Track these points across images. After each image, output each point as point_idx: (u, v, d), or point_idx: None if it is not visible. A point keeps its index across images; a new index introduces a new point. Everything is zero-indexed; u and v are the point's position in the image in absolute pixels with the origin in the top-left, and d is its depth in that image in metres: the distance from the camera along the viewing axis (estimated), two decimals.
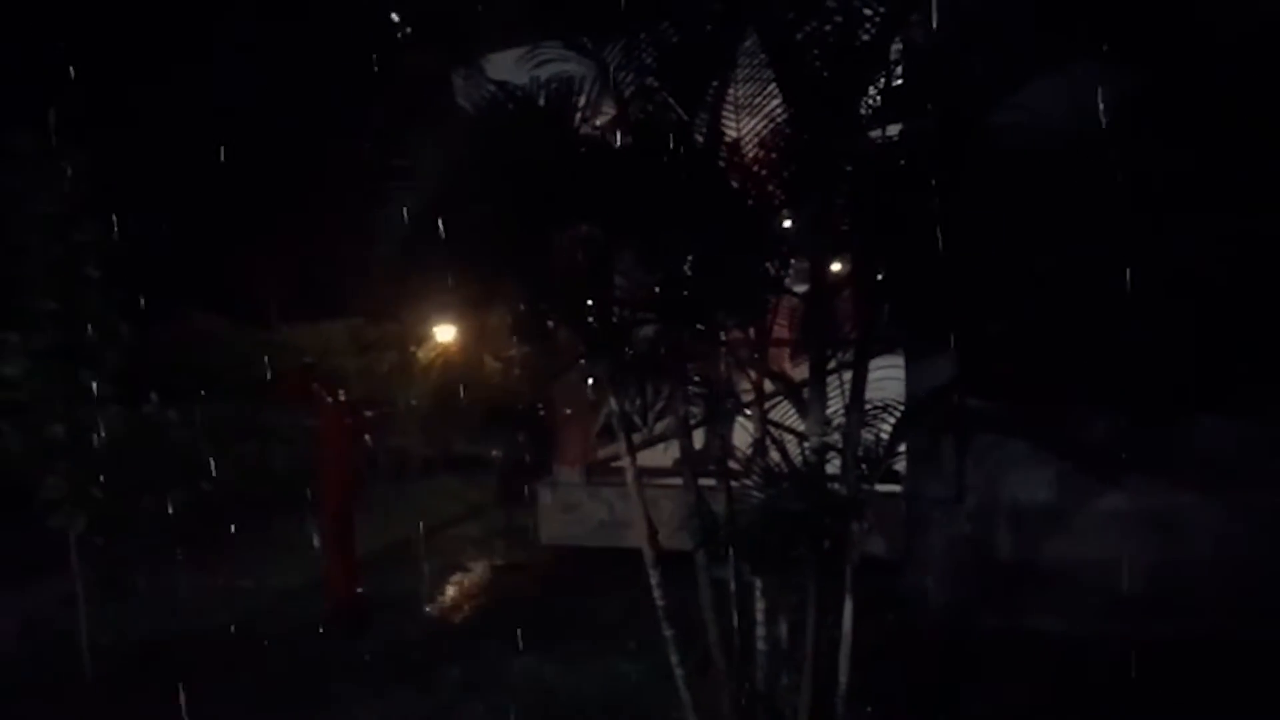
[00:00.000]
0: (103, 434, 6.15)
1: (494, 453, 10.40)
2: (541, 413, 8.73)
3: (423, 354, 11.64)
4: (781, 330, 4.55)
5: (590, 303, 4.36)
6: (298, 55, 13.66)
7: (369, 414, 8.77)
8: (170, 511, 8.33)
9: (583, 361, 4.80)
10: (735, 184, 4.07)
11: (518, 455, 10.02)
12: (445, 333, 12.19)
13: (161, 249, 6.98)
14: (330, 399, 7.22)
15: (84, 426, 6.14)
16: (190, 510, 8.87)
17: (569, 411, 8.14)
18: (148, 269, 6.94)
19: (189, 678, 6.49)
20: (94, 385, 6.22)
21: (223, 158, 14.58)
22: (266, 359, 13.87)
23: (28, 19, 12.47)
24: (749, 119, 4.10)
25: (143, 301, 6.78)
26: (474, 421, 10.72)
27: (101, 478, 6.21)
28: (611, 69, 4.05)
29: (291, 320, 15.97)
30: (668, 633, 4.33)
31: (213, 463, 7.83)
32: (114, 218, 6.40)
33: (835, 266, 4.40)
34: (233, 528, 9.72)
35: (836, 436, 4.06)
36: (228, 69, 14.18)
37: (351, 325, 15.62)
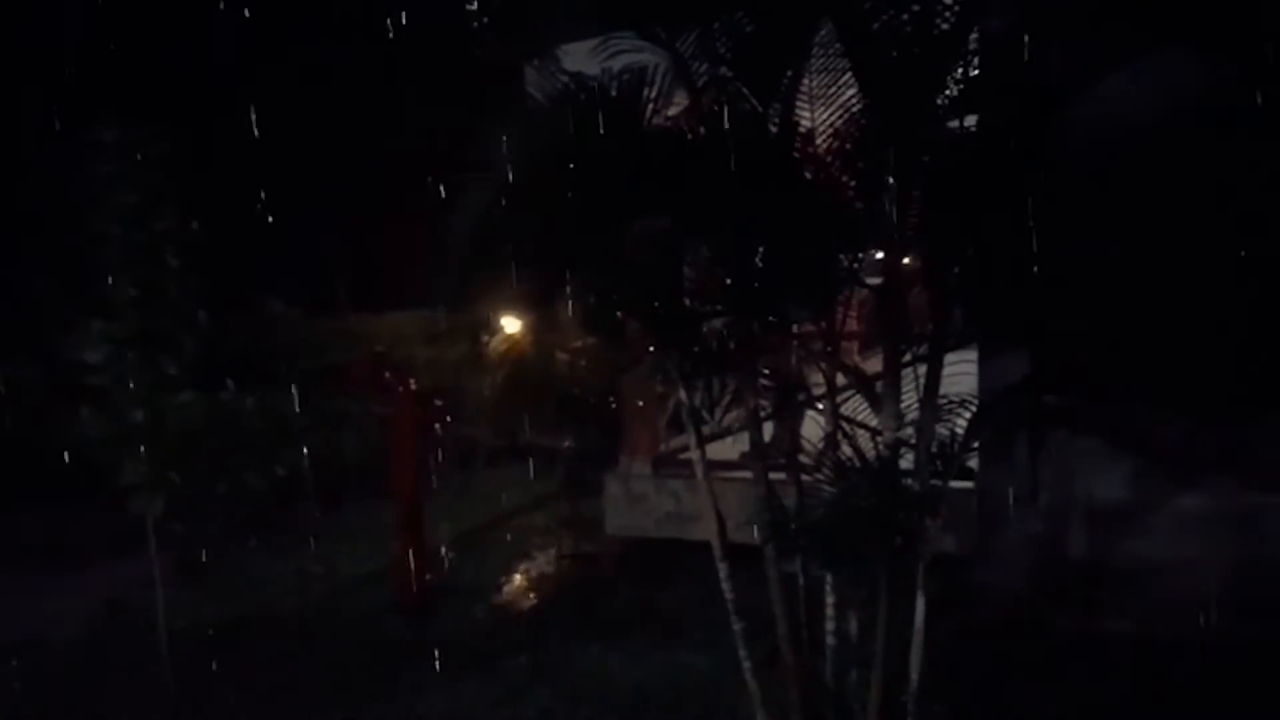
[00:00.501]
0: (180, 420, 6.25)
1: (562, 443, 10.43)
2: (609, 404, 8.75)
3: (492, 345, 11.72)
4: (853, 323, 4.51)
5: (660, 295, 4.35)
6: (373, 47, 13.80)
7: (439, 403, 8.84)
8: (244, 497, 8.52)
9: (652, 354, 4.78)
10: (808, 175, 4.03)
11: (585, 446, 10.04)
12: (514, 324, 12.27)
13: (237, 238, 7.10)
14: (402, 388, 7.30)
15: (163, 412, 6.25)
16: (263, 496, 9.06)
17: (636, 403, 8.15)
18: (223, 258, 7.05)
19: (262, 660, 6.65)
20: (173, 372, 6.32)
21: (297, 147, 14.83)
22: (337, 347, 14.08)
23: (111, 17, 12.75)
24: (823, 110, 4.06)
25: (219, 290, 6.88)
26: (541, 412, 10.77)
27: (179, 463, 6.32)
28: (685, 59, 4.03)
29: (361, 309, 16.18)
30: (736, 626, 4.32)
31: (285, 449, 7.94)
32: (193, 207, 6.51)
33: (908, 260, 4.34)
34: (304, 514, 9.89)
35: (909, 431, 4.02)
36: (303, 60, 14.36)
37: (420, 315, 15.78)
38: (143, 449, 6.24)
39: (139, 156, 6.22)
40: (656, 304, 4.33)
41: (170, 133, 6.46)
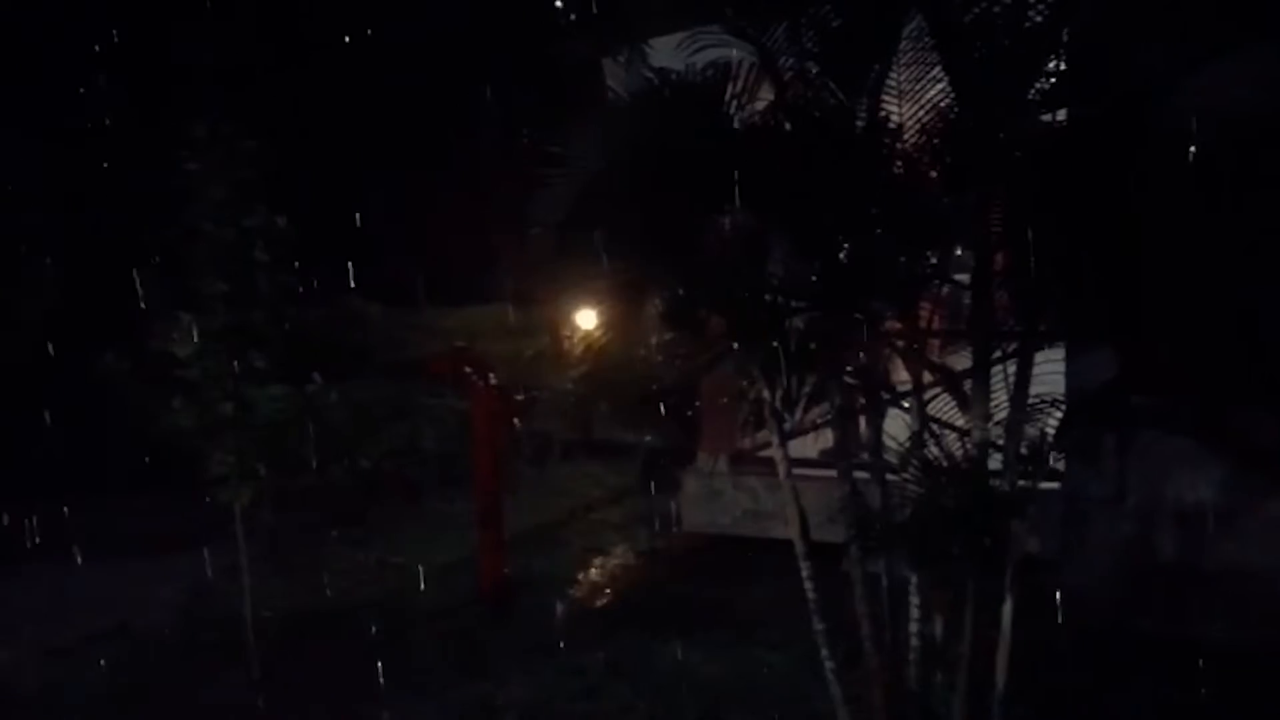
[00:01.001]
0: (268, 412, 6.38)
1: (641, 438, 10.45)
2: (686, 400, 8.73)
3: (570, 340, 11.77)
4: (936, 320, 4.45)
5: (744, 290, 4.33)
6: (454, 41, 13.93)
7: (518, 398, 8.90)
8: (328, 488, 8.68)
9: (734, 350, 4.75)
10: (895, 170, 3.98)
11: (661, 442, 10.04)
12: (591, 319, 12.30)
13: (318, 233, 7.25)
14: (482, 382, 7.36)
15: (250, 404, 6.38)
16: (345, 487, 9.23)
17: (714, 400, 8.12)
18: (308, 253, 7.15)
19: (344, 649, 6.76)
20: (260, 365, 6.45)
21: (376, 143, 15.05)
22: (416, 342, 14.26)
23: (201, 14, 13.02)
24: (910, 104, 4.01)
25: (304, 284, 7.00)
26: (618, 407, 10.79)
27: (266, 454, 6.45)
28: (771, 54, 4.01)
29: (437, 304, 16.37)
30: (818, 626, 4.28)
31: (367, 442, 8.08)
32: (280, 203, 6.62)
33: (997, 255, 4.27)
34: (384, 505, 10.05)
35: (997, 430, 3.96)
36: (384, 56, 14.55)
37: (495, 310, 15.91)
38: (231, 440, 6.38)
39: (229, 153, 6.36)
40: (740, 299, 4.31)
41: (259, 129, 6.59)
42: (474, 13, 14.01)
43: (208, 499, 6.59)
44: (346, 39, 14.75)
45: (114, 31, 11.72)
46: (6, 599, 8.19)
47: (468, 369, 7.47)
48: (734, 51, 4.12)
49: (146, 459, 8.70)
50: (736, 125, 4.13)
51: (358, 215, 14.97)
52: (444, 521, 9.52)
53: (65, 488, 9.33)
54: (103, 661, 6.79)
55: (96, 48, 11.37)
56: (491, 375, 7.58)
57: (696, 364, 5.53)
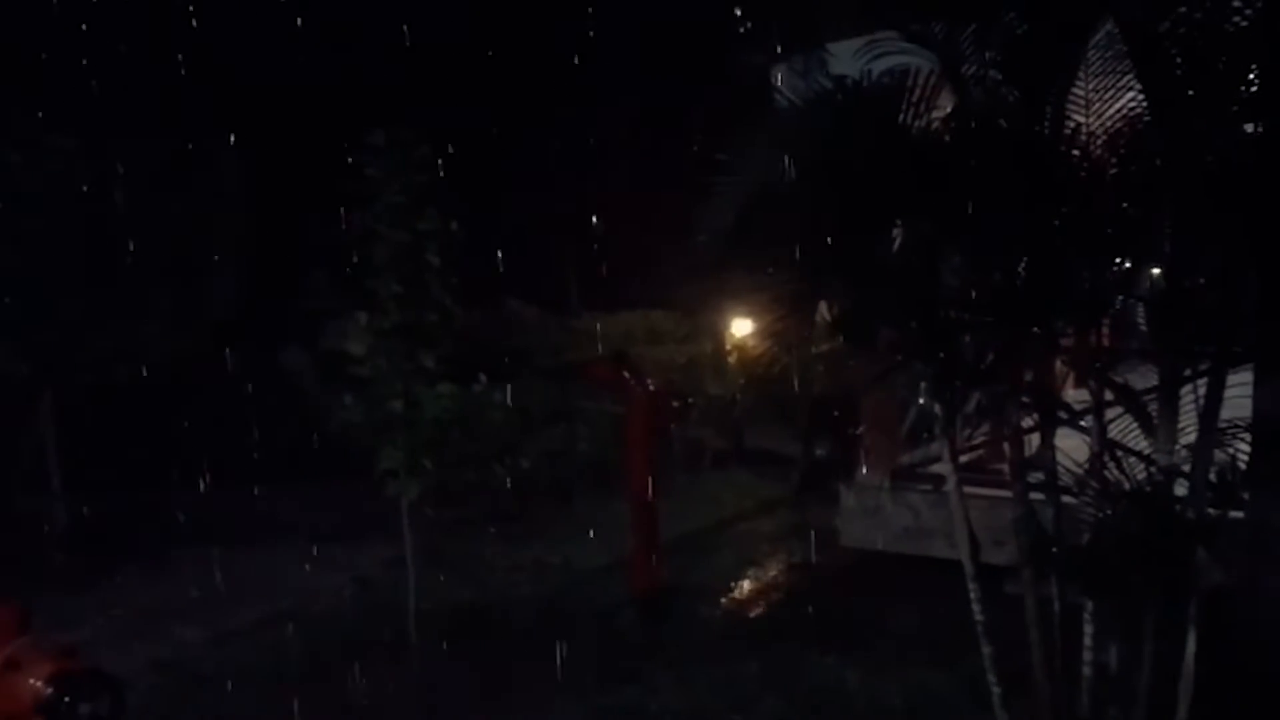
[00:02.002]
0: (436, 410, 6.55)
1: (796, 450, 10.38)
2: (847, 412, 8.62)
3: (731, 348, 11.78)
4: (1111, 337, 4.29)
5: (917, 302, 4.24)
6: (621, 50, 14.09)
7: (674, 404, 8.93)
8: (487, 486, 8.88)
9: (904, 362, 4.67)
10: (1081, 180, 3.84)
11: (820, 454, 9.94)
12: (747, 327, 12.28)
13: (480, 237, 7.44)
14: (640, 388, 7.41)
15: (419, 402, 6.56)
16: (502, 486, 9.42)
17: (877, 413, 8.00)
18: (475, 257, 7.32)
19: (501, 644, 6.88)
20: (429, 364, 6.63)
21: (534, 149, 15.34)
22: (572, 346, 14.47)
23: (373, 31, 13.53)
24: (1098, 113, 3.86)
25: (466, 287, 7.17)
26: (785, 418, 10.74)
27: (433, 451, 6.62)
28: (952, 60, 3.92)
29: (592, 309, 16.58)
30: (986, 649, 4.16)
31: (527, 443, 8.23)
32: (452, 208, 6.80)
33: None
34: (538, 505, 10.21)
35: (1183, 454, 3.78)
36: (554, 65, 14.81)
37: (650, 316, 16.02)
38: (400, 437, 6.58)
39: (405, 160, 6.56)
40: (913, 311, 4.22)
41: (432, 136, 6.79)
42: (642, 22, 14.15)
43: (374, 493, 6.80)
44: (507, 49, 15.06)
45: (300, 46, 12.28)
46: (185, 582, 8.65)
47: (626, 374, 7.53)
48: (912, 59, 4.05)
49: (316, 453, 9.08)
50: (914, 133, 4.06)
51: (516, 220, 15.30)
52: (596, 523, 9.61)
53: (242, 478, 9.80)
54: (273, 644, 7.08)
55: (282, 60, 11.92)
56: (649, 381, 7.63)
57: (865, 376, 5.44)
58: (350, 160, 6.60)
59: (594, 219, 16.20)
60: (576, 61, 14.79)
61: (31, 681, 2.33)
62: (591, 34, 14.65)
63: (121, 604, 8.10)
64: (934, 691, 5.63)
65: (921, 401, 6.57)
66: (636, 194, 15.38)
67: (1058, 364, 4.32)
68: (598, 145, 15.72)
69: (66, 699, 2.27)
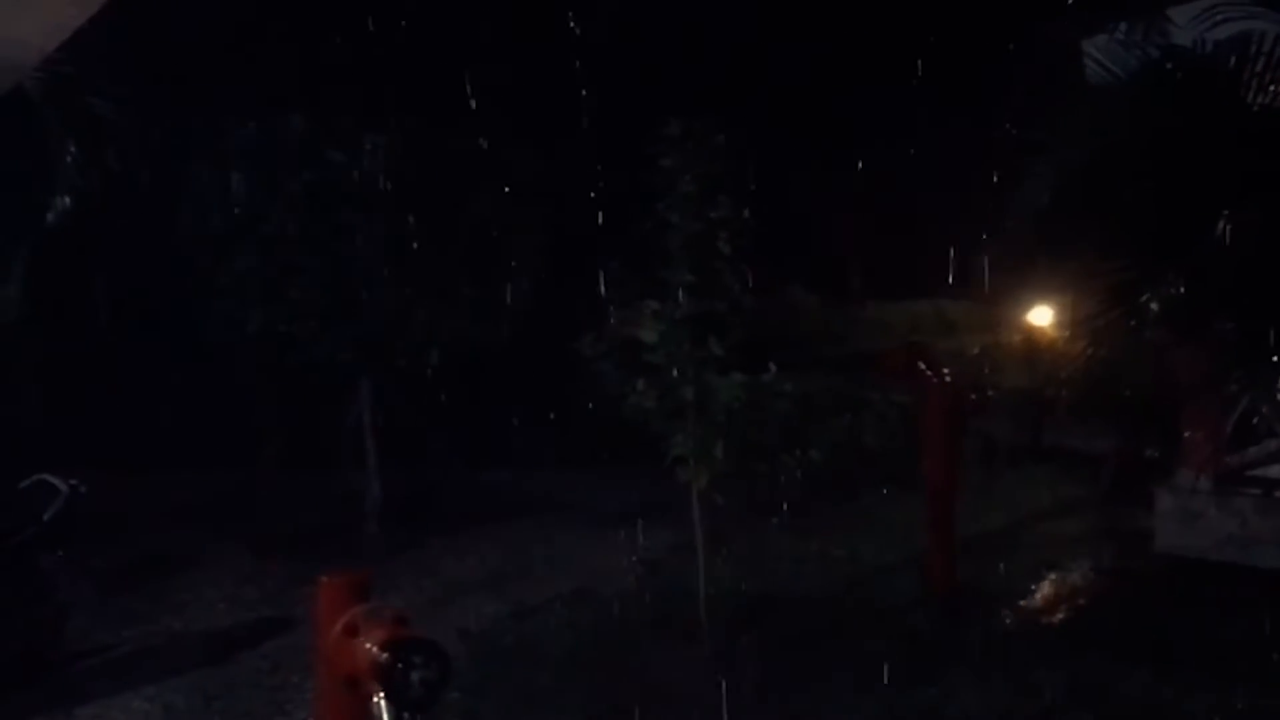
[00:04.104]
0: (727, 398, 6.54)
1: (1103, 447, 9.71)
2: (1167, 408, 7.98)
3: (1026, 338, 11.21)
4: None
5: (1260, 292, 3.84)
6: (918, 26, 13.68)
7: (972, 396, 8.54)
8: (775, 476, 8.81)
9: (1243, 357, 4.24)
10: None
11: (1131, 452, 9.26)
12: (1048, 317, 11.64)
13: (764, 225, 7.36)
14: (938, 379, 7.13)
15: (711, 390, 6.57)
16: (791, 477, 9.32)
17: (1200, 408, 7.35)
18: (759, 243, 7.26)
19: (791, 637, 6.80)
20: (719, 353, 6.62)
21: (821, 133, 15.13)
22: (856, 335, 14.23)
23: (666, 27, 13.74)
24: None
25: (753, 275, 7.11)
26: (1078, 413, 10.11)
27: (723, 439, 6.61)
28: None
29: (874, 298, 16.23)
30: None
31: (815, 433, 8.09)
32: (744, 196, 6.77)
33: None
34: (823, 497, 10.05)
35: None
36: (842, 47, 14.59)
37: (937, 305, 15.52)
38: (691, 424, 6.61)
39: (699, 148, 6.58)
40: (1255, 302, 3.83)
41: (726, 125, 6.77)
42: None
43: (659, 478, 6.86)
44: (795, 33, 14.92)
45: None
46: (484, 556, 9.10)
47: (922, 365, 7.26)
48: (1257, 24, 3.67)
49: (607, 438, 9.29)
50: (1256, 108, 3.68)
51: (799, 205, 15.17)
52: (884, 518, 9.39)
53: (538, 460, 10.20)
54: (569, 621, 7.30)
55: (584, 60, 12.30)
56: (946, 372, 7.32)
57: (1192, 372, 5.00)
58: (646, 152, 6.68)
59: (879, 207, 15.88)
60: (865, 43, 14.51)
61: (368, 646, 2.43)
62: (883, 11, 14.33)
63: (429, 575, 8.61)
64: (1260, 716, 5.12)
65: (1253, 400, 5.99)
66: (924, 180, 14.94)
67: None
68: (886, 127, 15.32)
69: (400, 665, 2.35)
